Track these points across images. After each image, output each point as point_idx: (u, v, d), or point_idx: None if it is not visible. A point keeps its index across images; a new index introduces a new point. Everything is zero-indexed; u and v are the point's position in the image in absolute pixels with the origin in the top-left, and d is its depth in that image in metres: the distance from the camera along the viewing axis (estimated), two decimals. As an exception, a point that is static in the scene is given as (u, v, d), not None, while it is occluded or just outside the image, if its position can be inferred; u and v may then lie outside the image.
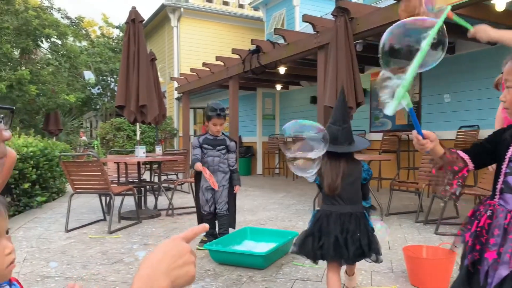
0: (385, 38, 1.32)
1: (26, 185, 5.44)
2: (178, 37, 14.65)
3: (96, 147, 13.02)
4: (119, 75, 5.45)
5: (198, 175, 3.75)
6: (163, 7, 14.54)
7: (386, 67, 1.36)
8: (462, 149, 1.44)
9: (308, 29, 6.26)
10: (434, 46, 1.32)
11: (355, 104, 5.13)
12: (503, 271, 1.24)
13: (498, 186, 1.33)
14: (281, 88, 11.13)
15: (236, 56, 8.18)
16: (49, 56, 13.12)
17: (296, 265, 3.18)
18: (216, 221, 3.78)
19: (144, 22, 5.75)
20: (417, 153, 6.93)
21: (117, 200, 5.22)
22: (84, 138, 15.07)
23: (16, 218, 5.20)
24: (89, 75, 20.16)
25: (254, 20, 15.28)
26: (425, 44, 1.27)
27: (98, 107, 20.01)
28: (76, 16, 13.61)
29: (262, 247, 3.36)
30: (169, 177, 7.56)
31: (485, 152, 1.42)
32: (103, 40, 20.78)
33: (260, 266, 3.07)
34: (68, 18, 13.01)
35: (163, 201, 6.07)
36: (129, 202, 5.76)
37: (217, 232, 3.78)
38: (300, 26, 11.54)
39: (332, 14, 5.41)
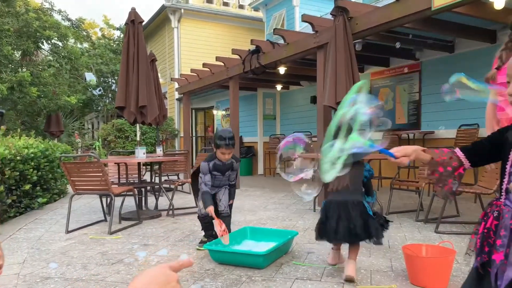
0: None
1: (27, 187, 5.46)
2: (178, 38, 14.68)
3: (97, 148, 13.02)
4: (119, 76, 5.46)
5: (194, 176, 3.75)
6: (163, 8, 14.57)
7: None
8: (461, 147, 1.45)
9: (308, 29, 6.27)
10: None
11: (354, 103, 5.12)
12: (510, 273, 1.23)
13: (504, 186, 1.32)
14: (282, 88, 11.14)
15: (236, 57, 8.19)
16: (50, 58, 13.14)
17: (296, 264, 3.19)
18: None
19: (144, 23, 5.77)
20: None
21: (118, 201, 5.24)
22: (79, 140, 15.08)
23: (17, 220, 5.21)
24: (90, 77, 20.20)
25: (254, 21, 15.30)
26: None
27: (99, 108, 20.02)
28: (77, 17, 13.61)
29: (262, 247, 3.37)
30: (170, 177, 7.57)
31: (483, 151, 1.42)
32: (104, 41, 20.80)
33: (260, 266, 3.08)
34: (69, 20, 13.00)
35: (163, 202, 6.08)
36: (130, 203, 5.78)
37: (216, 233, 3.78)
38: (300, 26, 11.55)
39: (331, 13, 5.41)
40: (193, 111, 14.78)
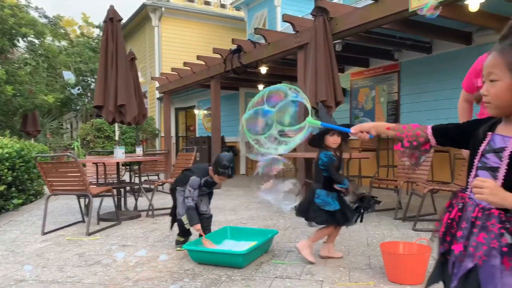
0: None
1: (2, 187, 5.31)
2: (159, 37, 14.53)
3: (76, 148, 12.79)
4: (97, 74, 5.38)
5: (179, 182, 3.71)
6: (143, 6, 14.40)
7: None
8: (434, 125, 1.50)
9: (289, 29, 6.30)
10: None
11: (334, 103, 5.18)
12: (468, 264, 1.27)
13: (470, 180, 1.35)
14: (263, 88, 11.14)
15: (218, 56, 8.16)
16: (27, 55, 12.84)
17: (276, 263, 3.19)
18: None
19: (124, 21, 5.70)
20: (396, 151, 7.03)
21: (96, 201, 5.15)
22: (51, 139, 14.78)
23: (-9, 221, 5.07)
24: (68, 75, 19.81)
25: (235, 20, 15.27)
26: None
27: (78, 107, 19.67)
28: (55, 15, 13.35)
29: (243, 246, 3.36)
30: (150, 177, 7.49)
31: (451, 135, 1.47)
32: (83, 39, 20.45)
33: (240, 265, 3.07)
34: (46, 17, 12.78)
35: (143, 202, 6.01)
36: (109, 204, 5.69)
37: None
38: (281, 26, 11.58)
39: (311, 14, 5.45)
40: (174, 110, 14.66)
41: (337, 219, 3.15)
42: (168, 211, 5.40)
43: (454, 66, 6.62)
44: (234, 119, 11.98)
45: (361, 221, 3.20)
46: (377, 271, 2.95)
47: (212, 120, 8.82)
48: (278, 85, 1.84)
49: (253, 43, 7.28)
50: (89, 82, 18.57)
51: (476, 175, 1.33)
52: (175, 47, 14.48)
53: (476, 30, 6.23)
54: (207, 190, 3.69)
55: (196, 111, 13.53)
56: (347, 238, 3.96)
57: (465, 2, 4.82)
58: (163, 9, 14.22)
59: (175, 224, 3.76)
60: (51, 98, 11.71)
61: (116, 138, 5.70)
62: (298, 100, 1.73)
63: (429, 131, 1.49)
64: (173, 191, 3.73)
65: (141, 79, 8.69)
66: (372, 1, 4.88)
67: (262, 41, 7.03)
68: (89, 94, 18.53)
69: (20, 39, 11.36)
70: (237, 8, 14.22)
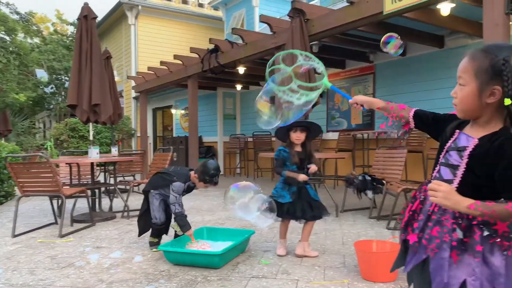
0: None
1: (-30, 189, 5.14)
2: (135, 35, 14.33)
3: (49, 149, 12.46)
4: (71, 73, 5.26)
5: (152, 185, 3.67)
6: (119, 4, 14.17)
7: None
8: (418, 109, 1.58)
9: (268, 29, 6.32)
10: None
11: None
12: (422, 255, 1.34)
13: (434, 174, 1.40)
14: (242, 88, 11.15)
15: (195, 55, 8.12)
16: (-3, 53, 12.43)
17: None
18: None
19: (100, 19, 5.61)
20: (371, 152, 7.17)
21: (70, 202, 5.05)
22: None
23: (-42, 224, 4.90)
24: (41, 74, 19.30)
25: (213, 20, 15.21)
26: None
27: (51, 107, 19.18)
28: (27, 11, 12.99)
29: (219, 247, 3.36)
30: (126, 178, 7.38)
31: (427, 122, 1.54)
32: (57, 37, 19.96)
33: (216, 266, 3.07)
34: (18, 13, 12.40)
35: (118, 203, 5.92)
36: (83, 205, 5.58)
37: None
38: (259, 27, 11.61)
39: (288, 15, 5.49)
40: (151, 110, 14.49)
41: (281, 211, 3.23)
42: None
43: (427, 68, 6.80)
44: (212, 119, 11.94)
45: (370, 198, 3.44)
46: (352, 270, 3.00)
47: (189, 120, 8.77)
48: (291, 50, 1.99)
49: (231, 43, 7.28)
50: (63, 80, 18.14)
51: (438, 171, 1.38)
52: (152, 46, 14.31)
53: (448, 34, 6.41)
54: (185, 194, 3.68)
55: (173, 111, 13.42)
56: (322, 237, 4.01)
57: (437, 7, 4.96)
58: (139, 7, 14.03)
59: (149, 227, 3.71)
60: (23, 97, 11.40)
61: (91, 138, 5.60)
62: (311, 65, 1.89)
63: (411, 113, 1.56)
64: (146, 194, 3.68)
65: (117, 78, 8.56)
66: (348, 4, 4.96)
67: (240, 41, 7.03)
68: (63, 93, 18.10)
69: (-11, 35, 11.01)
70: (215, 8, 14.18)
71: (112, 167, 6.21)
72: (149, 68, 9.89)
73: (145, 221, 3.68)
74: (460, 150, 1.31)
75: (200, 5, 16.18)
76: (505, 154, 1.19)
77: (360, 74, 8.07)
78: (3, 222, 4.99)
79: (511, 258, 1.22)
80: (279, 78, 1.85)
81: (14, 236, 4.18)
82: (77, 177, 5.57)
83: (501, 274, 1.22)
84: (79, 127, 12.80)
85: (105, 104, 5.23)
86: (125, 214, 5.19)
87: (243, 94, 11.71)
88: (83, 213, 5.25)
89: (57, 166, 6.19)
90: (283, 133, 3.34)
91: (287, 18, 5.87)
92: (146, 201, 3.68)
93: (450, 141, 1.36)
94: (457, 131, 1.36)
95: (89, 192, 4.92)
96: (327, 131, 8.73)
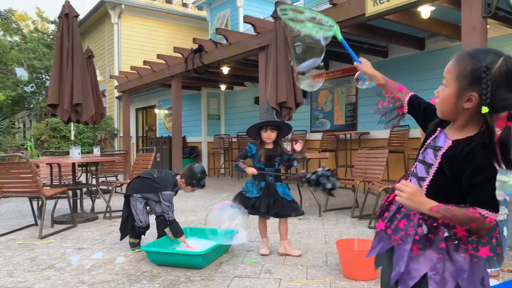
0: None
1: None
2: (118, 35, 14.17)
3: (29, 149, 12.22)
4: (52, 72, 5.18)
5: (134, 187, 3.63)
6: (102, 3, 13.98)
7: None
8: (414, 94, 1.58)
9: (252, 30, 6.34)
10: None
11: (294, 104, 5.26)
12: (387, 244, 1.40)
13: (412, 169, 1.44)
14: (226, 88, 11.15)
15: (179, 55, 8.08)
16: (-25, 50, 12.15)
17: (237, 259, 3.21)
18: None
19: (82, 18, 5.55)
20: (354, 152, 7.25)
21: (50, 203, 4.97)
22: None
23: None
24: (21, 72, 18.90)
25: (198, 20, 15.15)
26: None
27: (31, 106, 18.80)
28: (6, 8, 12.71)
29: (203, 246, 3.35)
30: (108, 178, 7.29)
31: (419, 110, 1.53)
32: (37, 35, 19.58)
33: (199, 266, 3.06)
34: (-4, 10, 12.11)
35: (101, 204, 5.85)
36: (64, 206, 5.51)
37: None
38: (244, 27, 11.62)
39: (271, 16, 5.51)
40: (134, 110, 14.34)
41: (247, 205, 3.30)
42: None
43: (408, 70, 6.91)
44: (196, 119, 11.89)
45: (330, 195, 3.10)
46: (334, 268, 3.04)
47: (173, 120, 8.72)
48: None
49: (215, 43, 7.27)
50: (44, 79, 17.80)
51: (416, 167, 1.41)
52: (135, 46, 14.17)
53: (428, 36, 6.53)
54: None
55: (156, 111, 13.32)
56: (305, 236, 4.04)
57: (418, 9, 5.06)
58: (122, 6, 13.88)
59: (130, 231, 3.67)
60: (2, 96, 11.15)
61: (72, 138, 5.52)
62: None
63: (407, 98, 1.56)
64: (127, 198, 3.63)
65: (99, 78, 8.46)
66: (331, 6, 5.01)
67: (224, 41, 7.03)
68: (43, 92, 17.76)
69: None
70: (199, 8, 14.12)
71: (94, 168, 6.13)
72: (132, 68, 9.79)
73: (126, 226, 3.64)
74: (436, 149, 1.33)
75: (184, 5, 16.10)
76: (473, 160, 1.21)
77: (343, 75, 8.16)
78: (-19, 224, 4.88)
79: (475, 256, 1.26)
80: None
81: (-8, 238, 4.10)
82: (58, 177, 5.48)
83: (465, 270, 1.26)
84: (60, 127, 12.60)
85: (87, 103, 5.16)
86: (107, 215, 5.13)
87: (228, 94, 11.70)
88: (64, 214, 5.18)
89: (38, 166, 6.08)
90: (254, 132, 3.40)
91: (271, 19, 5.90)
92: (128, 205, 3.63)
93: (430, 138, 1.38)
94: (439, 129, 1.37)
95: (70, 192, 4.85)
96: (311, 132, 8.80)
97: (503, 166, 1.21)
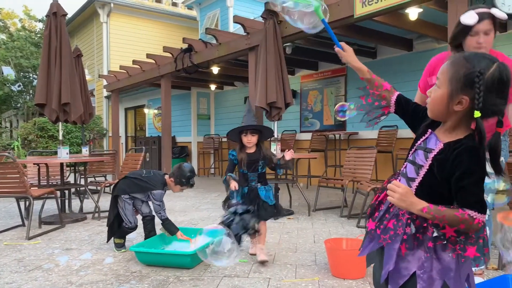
0: None
1: None
2: (107, 34, 14.06)
3: (16, 149, 12.06)
4: (39, 71, 5.13)
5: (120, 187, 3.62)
6: (91, 1, 13.87)
7: None
8: (400, 94, 1.56)
9: (241, 30, 6.35)
10: None
11: (283, 104, 5.29)
12: (376, 244, 1.43)
13: (401, 169, 1.46)
14: (216, 88, 11.14)
15: (168, 55, 8.05)
16: (-40, 49, 11.95)
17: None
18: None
19: (70, 16, 5.50)
20: (343, 152, 7.30)
21: (38, 204, 4.92)
22: None
23: None
24: (8, 71, 18.64)
25: (188, 19, 15.11)
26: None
27: (18, 105, 18.55)
28: (-8, 6, 12.52)
29: (192, 247, 3.35)
30: (97, 179, 7.25)
31: (408, 111, 1.53)
32: (25, 33, 19.33)
33: (188, 266, 3.07)
34: (-17, 8, 11.92)
35: (89, 204, 5.81)
36: (52, 206, 5.46)
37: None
38: (234, 27, 11.62)
39: (261, 16, 5.53)
40: (123, 109, 14.25)
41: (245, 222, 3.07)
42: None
43: (397, 71, 6.99)
44: (186, 119, 11.86)
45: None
46: (322, 267, 3.07)
47: (162, 120, 8.68)
48: None
49: (205, 43, 7.27)
50: (31, 78, 17.59)
51: (406, 167, 1.43)
52: (124, 45, 14.08)
53: (416, 38, 6.61)
54: None
55: (146, 111, 13.25)
56: (295, 236, 4.07)
57: (406, 11, 5.12)
58: (112, 5, 13.78)
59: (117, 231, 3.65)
60: (-12, 95, 10.97)
61: (60, 137, 5.46)
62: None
63: (394, 97, 1.54)
64: (115, 198, 3.60)
65: (88, 77, 8.39)
66: (320, 6, 5.04)
67: (214, 41, 7.03)
68: (31, 91, 17.54)
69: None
70: (189, 7, 14.09)
71: (82, 168, 6.08)
72: (122, 67, 9.73)
73: (113, 226, 3.61)
74: (427, 151, 1.35)
75: (174, 4, 16.04)
76: (462, 163, 1.23)
77: (332, 76, 8.21)
78: (-33, 224, 4.81)
79: (462, 256, 1.30)
80: None
81: (-21, 239, 4.05)
82: (45, 177, 5.43)
83: (452, 269, 1.30)
84: (48, 127, 12.47)
85: (75, 103, 5.12)
86: (96, 215, 5.10)
87: (217, 94, 11.70)
88: (52, 214, 5.13)
89: (25, 166, 6.02)
90: (235, 135, 3.30)
91: (261, 19, 5.92)
92: (114, 206, 3.60)
93: (421, 139, 1.40)
94: (429, 130, 1.39)
95: (58, 193, 4.81)
96: (301, 132, 8.84)
97: (492, 171, 1.25)
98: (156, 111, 12.78)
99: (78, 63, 6.64)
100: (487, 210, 1.27)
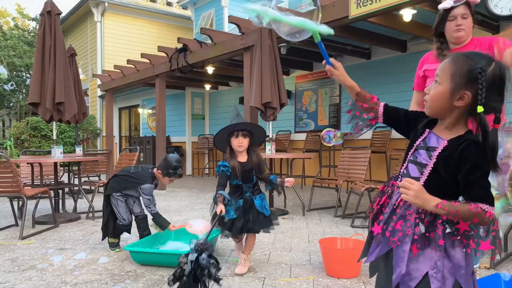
0: None
1: None
2: (102, 33, 14.00)
3: (8, 148, 11.97)
4: (33, 70, 5.10)
5: (113, 186, 3.60)
6: (85, 0, 13.80)
7: None
8: (385, 104, 1.57)
9: (236, 30, 6.36)
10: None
11: (278, 105, 5.30)
12: (385, 247, 1.40)
13: (402, 170, 1.46)
14: (210, 88, 11.13)
15: (163, 54, 8.03)
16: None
17: (221, 258, 3.22)
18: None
19: (64, 15, 5.47)
20: (337, 152, 7.33)
21: (31, 204, 4.89)
22: None
23: None
24: (0, 70, 18.48)
25: (182, 19, 15.09)
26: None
27: (11, 104, 18.41)
28: (-15, 4, 12.41)
29: (187, 247, 3.35)
30: (91, 178, 7.22)
31: (397, 118, 1.55)
32: (18, 32, 19.16)
33: (183, 265, 3.06)
34: (-25, 6, 11.81)
35: (83, 204, 5.79)
36: (45, 206, 5.43)
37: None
38: (229, 27, 11.61)
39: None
40: (117, 109, 14.19)
41: (224, 226, 2.93)
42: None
43: (391, 72, 7.04)
44: (181, 118, 11.84)
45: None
46: (317, 266, 3.08)
47: (156, 120, 8.66)
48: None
49: (200, 42, 7.26)
50: (24, 77, 17.45)
51: (406, 167, 1.43)
52: (118, 44, 14.03)
53: (410, 39, 6.66)
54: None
55: (140, 110, 13.21)
56: (289, 235, 4.08)
57: (400, 12, 5.16)
58: (106, 4, 13.73)
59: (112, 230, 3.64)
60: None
61: (54, 137, 5.44)
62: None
63: (381, 109, 1.56)
64: (107, 198, 3.59)
65: (82, 76, 8.36)
66: (315, 7, 5.06)
67: (209, 41, 7.03)
68: (24, 90, 17.41)
69: None
70: (184, 7, 14.06)
71: (76, 167, 6.05)
72: (116, 67, 9.69)
73: (108, 226, 3.60)
74: (430, 150, 1.36)
75: (169, 4, 16.00)
76: (469, 158, 1.26)
77: (327, 76, 8.20)
78: (-41, 224, 4.77)
79: (477, 250, 1.31)
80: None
81: (-29, 239, 4.02)
82: (39, 177, 5.40)
83: (462, 266, 1.30)
84: (41, 126, 12.39)
85: (70, 102, 5.10)
86: (90, 215, 5.08)
87: (212, 94, 11.69)
88: (46, 214, 5.10)
89: (18, 166, 5.98)
90: (222, 139, 2.95)
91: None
92: (108, 206, 3.59)
93: (419, 140, 1.41)
94: (427, 130, 1.40)
95: (52, 192, 4.78)
96: (295, 132, 8.86)
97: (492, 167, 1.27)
98: (150, 110, 12.74)
99: (72, 62, 6.61)
100: None
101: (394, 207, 1.40)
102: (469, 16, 2.43)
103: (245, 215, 2.91)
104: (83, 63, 14.72)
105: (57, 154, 5.00)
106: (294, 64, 8.28)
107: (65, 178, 7.29)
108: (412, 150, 1.42)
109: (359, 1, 4.58)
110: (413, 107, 3.09)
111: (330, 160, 7.80)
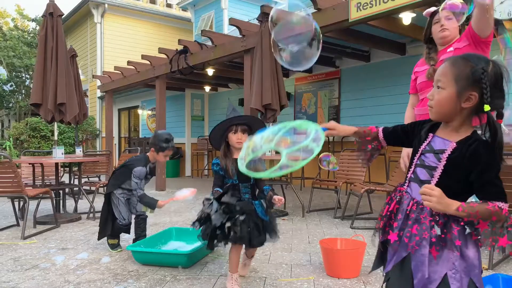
0: None
1: None
2: (101, 34, 14.04)
3: (8, 149, 11.98)
4: (35, 71, 5.13)
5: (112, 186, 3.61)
6: (85, 1, 13.84)
7: None
8: (384, 128, 1.65)
9: (236, 32, 6.40)
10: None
11: (279, 107, 5.34)
12: (402, 253, 1.41)
13: (408, 175, 1.47)
14: (210, 89, 11.16)
15: (163, 56, 8.07)
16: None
17: (223, 258, 3.25)
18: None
19: (64, 16, 5.49)
20: (337, 154, 7.37)
21: (33, 204, 4.91)
22: None
23: None
24: (0, 71, 18.48)
25: (182, 21, 15.14)
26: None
27: (10, 105, 18.41)
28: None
29: (188, 247, 3.39)
30: (91, 179, 7.24)
31: (396, 136, 1.61)
32: (17, 33, 19.17)
33: (185, 265, 3.10)
34: (-25, 7, 11.82)
35: (84, 205, 5.80)
36: (46, 206, 5.44)
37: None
38: (228, 29, 11.65)
39: (257, 19, 5.58)
40: (117, 110, 14.21)
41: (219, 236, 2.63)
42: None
43: (390, 74, 7.08)
44: (180, 120, 11.87)
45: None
46: (317, 267, 3.11)
47: (156, 121, 8.69)
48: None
49: (200, 44, 7.30)
50: (24, 78, 17.46)
51: (414, 172, 1.45)
52: (118, 46, 14.06)
53: (409, 42, 6.71)
54: (150, 178, 3.60)
55: (140, 111, 13.23)
56: (289, 236, 4.11)
57: (400, 16, 5.21)
58: (106, 5, 13.76)
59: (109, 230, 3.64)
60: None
61: (55, 137, 5.46)
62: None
63: (381, 135, 1.64)
64: (107, 197, 3.60)
65: (81, 77, 8.38)
66: (315, 10, 5.11)
67: (209, 43, 7.07)
68: (23, 91, 17.42)
69: None
70: (184, 9, 14.10)
71: (76, 168, 6.07)
72: (116, 68, 9.72)
73: (106, 226, 3.62)
74: (437, 152, 1.38)
75: (169, 6, 16.04)
76: (481, 158, 1.29)
77: (326, 79, 8.29)
78: (-40, 224, 4.79)
79: (497, 246, 1.35)
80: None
81: (-27, 238, 4.04)
82: (40, 177, 5.42)
83: (476, 266, 1.33)
84: (40, 127, 12.41)
85: (71, 103, 5.13)
86: (91, 215, 5.10)
87: (212, 95, 11.72)
88: (47, 214, 5.12)
89: (18, 166, 6.00)
90: (219, 135, 2.70)
91: (256, 22, 5.97)
92: (107, 205, 3.59)
93: (424, 144, 1.43)
94: (431, 134, 1.43)
95: (52, 193, 4.80)
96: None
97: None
98: (149, 112, 12.77)
99: (73, 63, 6.64)
100: None
101: (407, 212, 1.41)
102: (453, 17, 2.51)
103: (248, 221, 2.57)
104: (83, 64, 14.74)
105: (59, 154, 5.02)
106: (293, 66, 8.32)
107: (65, 179, 7.31)
108: (418, 155, 1.44)
109: (359, 5, 4.63)
110: (409, 109, 3.16)
111: (329, 162, 7.82)
